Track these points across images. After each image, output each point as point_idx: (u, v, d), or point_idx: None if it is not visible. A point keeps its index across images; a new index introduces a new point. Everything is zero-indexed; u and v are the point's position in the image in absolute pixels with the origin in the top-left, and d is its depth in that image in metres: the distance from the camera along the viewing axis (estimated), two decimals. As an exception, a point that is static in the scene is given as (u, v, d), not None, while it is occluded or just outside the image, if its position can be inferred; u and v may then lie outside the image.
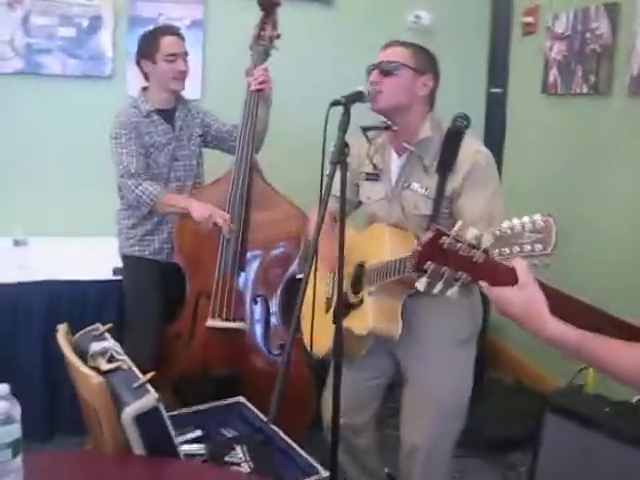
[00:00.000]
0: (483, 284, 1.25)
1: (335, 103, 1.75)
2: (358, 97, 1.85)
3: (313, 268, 1.69)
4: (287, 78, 3.73)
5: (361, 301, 2.02)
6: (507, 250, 1.28)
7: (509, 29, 3.22)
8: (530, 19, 3.74)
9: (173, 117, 2.88)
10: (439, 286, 1.23)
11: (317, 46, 3.89)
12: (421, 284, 1.24)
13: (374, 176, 2.14)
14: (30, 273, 2.90)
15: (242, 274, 2.73)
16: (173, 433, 1.54)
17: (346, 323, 2.00)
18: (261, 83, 2.75)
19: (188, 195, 2.83)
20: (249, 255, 2.74)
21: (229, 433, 2.12)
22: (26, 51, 3.51)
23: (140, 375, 1.61)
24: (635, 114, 2.96)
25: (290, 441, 2.02)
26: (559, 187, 3.48)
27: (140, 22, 3.62)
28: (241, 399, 2.29)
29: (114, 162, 2.79)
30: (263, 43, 2.82)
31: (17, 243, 2.99)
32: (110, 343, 1.76)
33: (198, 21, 3.71)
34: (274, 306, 2.70)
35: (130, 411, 1.48)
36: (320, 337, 1.99)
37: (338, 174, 1.72)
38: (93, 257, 3.11)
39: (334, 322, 2.01)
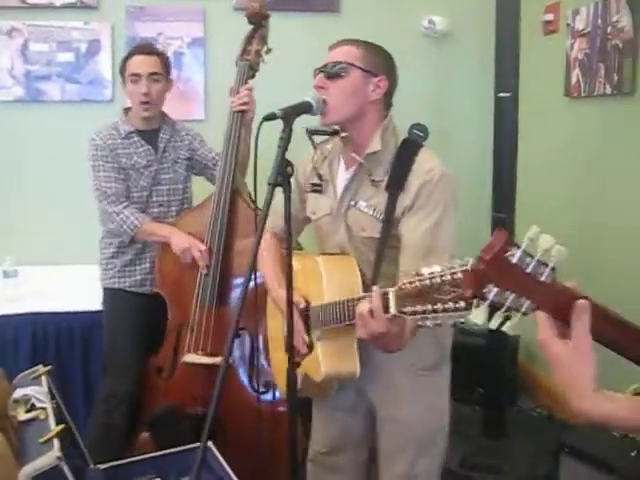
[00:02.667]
0: (542, 316, 0.98)
1: (271, 117, 1.55)
2: (303, 108, 1.65)
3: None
4: (297, 89, 3.59)
5: (310, 347, 1.80)
6: (429, 307, 1.06)
7: (517, 30, 2.96)
8: (550, 17, 3.49)
9: (156, 138, 2.75)
10: (498, 318, 0.95)
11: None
12: (479, 316, 0.94)
13: (319, 188, 1.90)
14: (18, 305, 2.83)
15: (225, 306, 2.56)
16: (80, 495, 1.37)
17: (304, 369, 1.80)
18: (244, 104, 2.57)
19: (170, 223, 2.68)
20: (232, 285, 2.57)
21: (187, 480, 1.94)
22: (25, 78, 3.49)
23: (53, 427, 1.44)
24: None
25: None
26: (583, 193, 3.25)
27: (139, 42, 3.54)
28: (208, 444, 2.10)
29: (93, 188, 2.68)
30: (248, 58, 2.66)
31: (6, 274, 2.91)
32: (35, 390, 1.60)
33: (198, 39, 3.60)
34: (260, 340, 2.50)
35: (26, 472, 1.32)
36: (281, 377, 1.80)
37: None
38: (82, 286, 3.02)
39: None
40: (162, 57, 2.72)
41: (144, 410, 2.56)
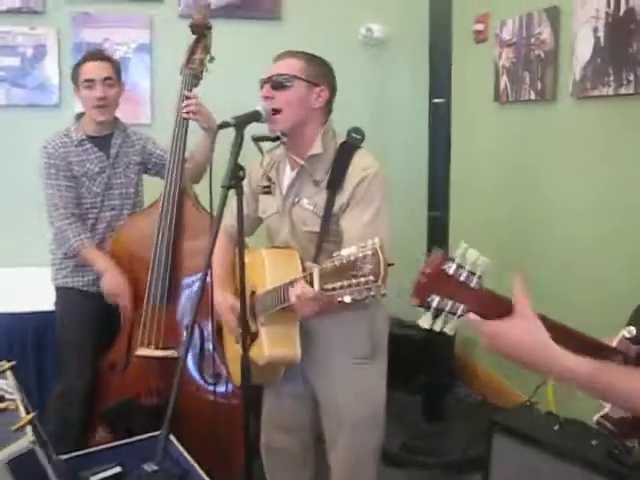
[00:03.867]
0: (473, 317, 1.11)
1: (224, 125, 1.69)
2: (254, 117, 1.79)
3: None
4: (241, 95, 3.71)
5: (257, 332, 1.95)
6: (346, 282, 1.23)
7: (449, 38, 3.16)
8: (481, 27, 3.70)
9: (109, 144, 2.81)
10: (440, 322, 1.09)
11: (268, 62, 3.85)
12: (426, 321, 1.09)
13: (268, 189, 2.07)
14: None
15: (175, 302, 2.67)
16: (53, 476, 1.47)
17: (251, 353, 1.93)
18: (190, 112, 2.67)
19: (117, 228, 2.77)
20: (182, 283, 2.68)
21: (149, 468, 2.04)
22: (-30, 83, 3.49)
23: (23, 415, 1.54)
24: (580, 118, 2.91)
25: (205, 476, 1.95)
26: (511, 192, 3.47)
27: (85, 48, 3.57)
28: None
29: (44, 195, 2.75)
30: (193, 67, 2.76)
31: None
32: (4, 383, 1.69)
33: (145, 46, 3.68)
34: (208, 334, 2.63)
35: (3, 455, 1.42)
36: (236, 367, 1.94)
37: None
38: (32, 288, 3.07)
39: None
40: (114, 63, 2.79)
41: (99, 405, 2.64)
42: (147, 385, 2.61)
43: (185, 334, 2.62)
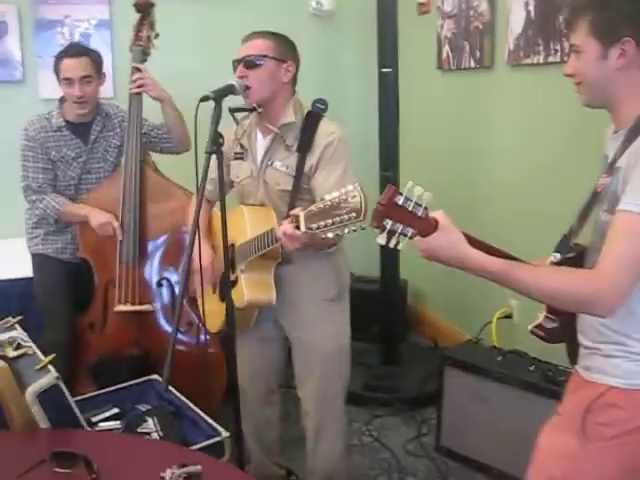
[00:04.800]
0: (416, 239, 1.40)
1: (205, 99, 1.90)
2: (230, 90, 2.02)
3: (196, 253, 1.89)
4: (195, 70, 3.89)
5: (237, 279, 2.20)
6: (330, 221, 1.48)
7: (395, 11, 3.40)
8: (424, -1, 3.95)
9: (88, 131, 2.94)
10: (394, 240, 1.37)
11: (223, 39, 4.01)
12: (382, 239, 1.36)
13: (241, 155, 2.31)
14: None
15: (145, 261, 2.91)
16: (75, 406, 1.71)
17: None
18: (140, 86, 2.85)
19: (84, 197, 2.94)
20: (150, 244, 2.93)
21: (143, 408, 2.29)
22: None
23: (43, 358, 1.76)
24: (514, 83, 3.22)
25: (197, 410, 2.21)
26: (455, 150, 3.77)
27: (47, 25, 3.73)
28: (155, 376, 2.46)
29: (20, 175, 2.91)
30: (140, 44, 2.91)
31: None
32: (18, 333, 1.90)
33: (105, 21, 3.81)
34: (178, 288, 2.90)
35: (32, 390, 1.64)
36: (211, 317, 2.19)
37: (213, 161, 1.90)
38: (13, 257, 3.23)
39: (221, 299, 2.24)
40: (92, 57, 2.88)
41: (83, 362, 2.86)
42: (126, 338, 2.87)
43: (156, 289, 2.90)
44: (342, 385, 2.41)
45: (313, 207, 1.67)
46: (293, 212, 1.82)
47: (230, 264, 2.22)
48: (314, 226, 1.64)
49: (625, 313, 1.40)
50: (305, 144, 2.14)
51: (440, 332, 3.97)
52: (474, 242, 1.42)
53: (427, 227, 1.38)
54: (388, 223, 1.35)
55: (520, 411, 2.58)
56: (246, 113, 2.30)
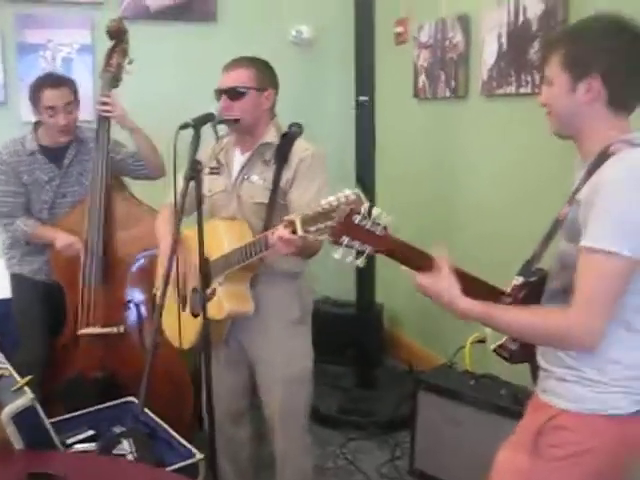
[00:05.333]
0: (409, 272, 1.52)
1: (184, 126, 1.96)
2: (209, 118, 2.08)
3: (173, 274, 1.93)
4: (178, 94, 3.95)
5: (213, 292, 2.25)
6: (329, 223, 1.54)
7: (372, 40, 3.49)
8: (401, 29, 4.05)
9: (63, 155, 2.97)
10: (351, 257, 1.48)
11: (205, 62, 4.08)
12: (338, 254, 1.48)
13: (216, 170, 2.37)
14: None
15: (111, 283, 2.94)
16: (50, 428, 1.73)
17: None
18: (105, 111, 2.88)
19: (57, 220, 2.97)
20: (117, 267, 2.96)
21: (118, 430, 2.30)
22: None
23: (19, 379, 1.78)
24: (487, 112, 3.32)
25: (172, 431, 2.23)
26: (431, 176, 3.86)
27: (29, 48, 3.78)
28: (130, 398, 2.47)
29: None
30: (111, 70, 2.96)
31: None
32: (-8, 355, 1.92)
33: (87, 46, 3.85)
34: (144, 310, 2.96)
35: (8, 410, 1.66)
36: (183, 332, 2.22)
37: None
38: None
39: (194, 315, 2.29)
40: (71, 84, 2.94)
41: (52, 384, 2.86)
42: (93, 361, 2.90)
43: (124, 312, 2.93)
44: (307, 405, 2.46)
45: (308, 212, 1.72)
46: (287, 218, 1.87)
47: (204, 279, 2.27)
48: (312, 229, 1.68)
49: None
50: (281, 158, 2.23)
51: (415, 356, 4.02)
52: (462, 276, 1.53)
53: (393, 248, 1.49)
54: (345, 240, 1.46)
55: (492, 433, 2.58)
56: (226, 132, 2.38)
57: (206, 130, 2.11)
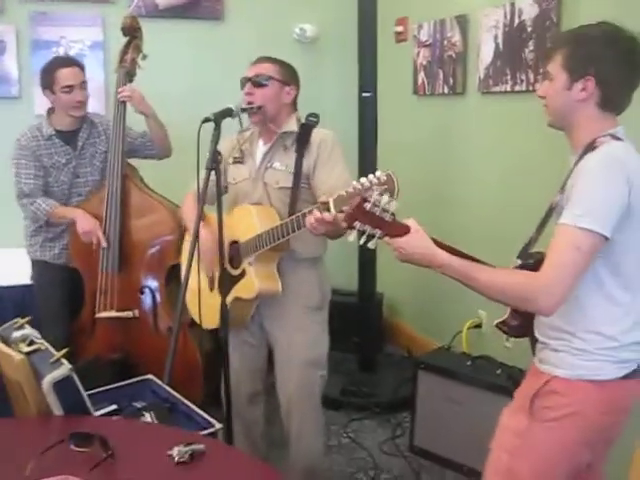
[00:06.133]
0: (389, 240, 1.65)
1: (206, 120, 2.12)
2: (228, 113, 2.22)
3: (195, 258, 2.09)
4: (187, 89, 4.10)
5: (243, 272, 2.40)
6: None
7: (375, 39, 3.64)
8: (401, 28, 4.20)
9: (76, 138, 3.14)
10: (363, 239, 1.64)
11: (212, 58, 4.24)
12: (351, 237, 1.65)
13: (240, 159, 2.53)
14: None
15: (128, 270, 3.09)
16: (86, 396, 1.88)
17: (235, 293, 2.39)
18: (126, 97, 3.05)
19: (78, 204, 3.12)
20: (132, 254, 3.11)
21: (139, 404, 2.45)
22: None
23: (55, 353, 1.94)
24: (484, 109, 3.48)
25: (191, 405, 2.37)
26: (430, 169, 4.02)
27: (43, 45, 3.91)
28: (150, 376, 2.61)
29: (14, 182, 3.09)
30: (125, 65, 3.13)
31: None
32: (29, 331, 2.07)
33: (98, 43, 4.00)
34: (159, 295, 3.11)
35: (49, 379, 1.81)
36: (209, 314, 2.36)
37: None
38: (12, 265, 3.39)
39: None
40: (80, 64, 3.12)
41: (72, 364, 3.02)
42: (109, 343, 3.06)
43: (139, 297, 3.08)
44: (319, 387, 2.60)
45: (343, 192, 1.88)
46: (321, 199, 2.04)
47: (231, 260, 2.42)
48: (345, 209, 1.79)
49: (575, 311, 1.63)
50: (301, 145, 2.39)
51: (414, 342, 4.18)
52: (441, 245, 1.68)
53: (396, 229, 1.65)
54: (357, 224, 1.63)
55: (488, 411, 2.73)
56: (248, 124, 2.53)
57: (225, 123, 2.25)
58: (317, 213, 2.04)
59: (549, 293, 1.56)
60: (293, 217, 2.21)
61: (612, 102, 1.66)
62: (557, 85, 1.68)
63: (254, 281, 2.37)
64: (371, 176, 1.78)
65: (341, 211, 1.88)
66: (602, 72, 1.62)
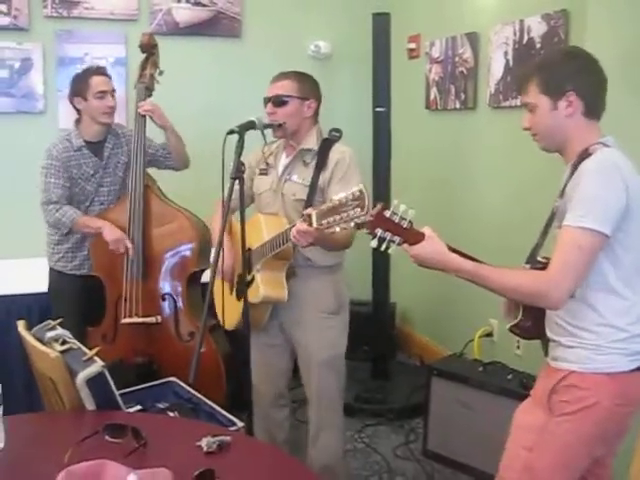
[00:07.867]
0: (406, 247, 1.76)
1: (231, 132, 2.23)
2: (250, 125, 2.33)
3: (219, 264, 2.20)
4: (205, 104, 4.23)
5: (253, 278, 2.52)
6: (338, 217, 1.80)
7: (388, 55, 3.76)
8: (413, 45, 4.32)
9: (102, 148, 3.25)
10: (384, 245, 1.75)
11: (230, 74, 4.38)
12: (374, 243, 1.75)
13: (265, 171, 2.66)
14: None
15: (150, 277, 3.19)
16: (117, 393, 1.98)
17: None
18: (146, 110, 3.16)
19: (99, 214, 3.22)
20: (153, 262, 3.21)
21: (163, 405, 2.55)
22: (-38, 93, 3.88)
23: (87, 351, 2.04)
24: (495, 123, 3.58)
25: (214, 405, 2.47)
26: (442, 182, 4.12)
27: (68, 61, 4.06)
28: (173, 379, 2.71)
29: (40, 189, 3.17)
30: (144, 81, 3.25)
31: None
32: (61, 331, 2.17)
33: (121, 59, 4.14)
34: (180, 301, 3.21)
35: (83, 376, 1.91)
36: (228, 314, 2.50)
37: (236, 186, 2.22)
38: (30, 274, 3.55)
39: (237, 298, 2.54)
40: (111, 77, 3.26)
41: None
42: (133, 348, 3.15)
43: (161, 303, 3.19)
44: (339, 388, 2.70)
45: (323, 207, 1.99)
46: (306, 212, 2.14)
47: (247, 267, 2.53)
48: (324, 222, 1.95)
49: (584, 307, 1.74)
50: (320, 161, 2.50)
51: (426, 351, 4.26)
52: (453, 250, 1.80)
53: (412, 236, 1.77)
54: (379, 231, 1.75)
55: (500, 415, 2.83)
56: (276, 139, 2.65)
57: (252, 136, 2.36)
58: (300, 225, 2.16)
59: (557, 288, 1.67)
60: (286, 229, 2.32)
61: (595, 108, 1.80)
62: (542, 110, 1.81)
63: (259, 287, 2.48)
64: (349, 191, 1.91)
65: (321, 224, 1.99)
66: (580, 85, 1.77)
